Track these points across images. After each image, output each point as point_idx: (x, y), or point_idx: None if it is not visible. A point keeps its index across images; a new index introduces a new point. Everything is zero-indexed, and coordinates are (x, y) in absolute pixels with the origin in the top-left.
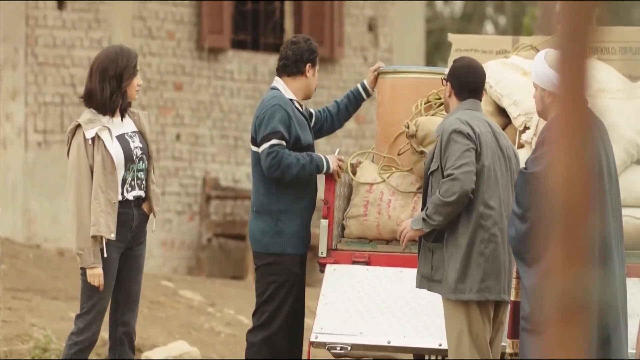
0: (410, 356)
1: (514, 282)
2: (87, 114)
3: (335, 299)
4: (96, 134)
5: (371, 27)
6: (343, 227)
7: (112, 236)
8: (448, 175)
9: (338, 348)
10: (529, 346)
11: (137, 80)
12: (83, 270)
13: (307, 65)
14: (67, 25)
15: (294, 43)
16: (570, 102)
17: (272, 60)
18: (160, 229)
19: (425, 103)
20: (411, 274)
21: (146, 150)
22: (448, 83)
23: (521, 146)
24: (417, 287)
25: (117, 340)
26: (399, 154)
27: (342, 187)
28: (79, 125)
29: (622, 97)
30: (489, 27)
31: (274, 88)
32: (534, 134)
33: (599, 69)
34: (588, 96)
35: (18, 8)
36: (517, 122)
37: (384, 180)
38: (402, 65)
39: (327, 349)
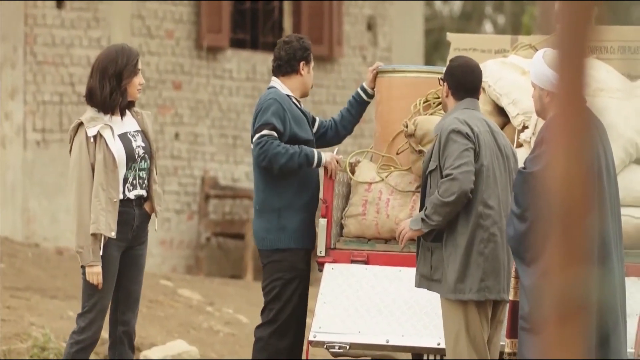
0: (409, 355)
1: (512, 281)
2: (89, 112)
3: (333, 298)
4: (98, 132)
5: (370, 26)
6: (342, 226)
7: (113, 234)
8: (447, 175)
9: (337, 347)
10: (528, 345)
11: (139, 79)
12: (84, 269)
13: (301, 64)
14: (66, 24)
15: (286, 43)
16: (569, 102)
17: (271, 59)
18: (159, 228)
19: (424, 102)
20: (410, 273)
21: (148, 149)
22: (445, 83)
23: (520, 145)
24: (416, 286)
25: (117, 340)
26: (397, 153)
27: (341, 186)
28: (81, 124)
29: (621, 96)
30: (487, 26)
31: (272, 87)
32: (533, 133)
33: (598, 68)
34: (587, 95)
35: (17, 7)
36: (516, 122)
37: (383, 180)
38: (401, 64)
39: (326, 348)
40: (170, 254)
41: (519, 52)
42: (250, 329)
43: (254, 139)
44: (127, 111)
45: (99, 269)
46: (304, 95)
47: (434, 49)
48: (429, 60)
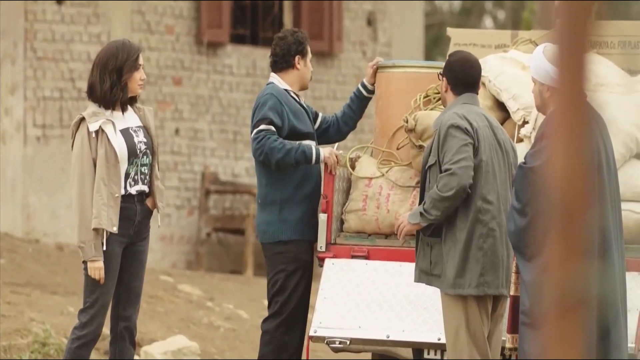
0: (409, 350)
1: (513, 276)
2: (91, 107)
3: (334, 294)
4: (100, 127)
5: (370, 21)
6: (342, 222)
7: (114, 229)
8: (446, 170)
9: (337, 342)
10: (528, 340)
11: (140, 74)
12: (85, 265)
13: (297, 58)
14: (66, 20)
15: (281, 38)
16: (569, 97)
17: None
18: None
19: (424, 97)
20: (410, 268)
21: (150, 145)
22: (444, 78)
23: (520, 140)
24: (415, 281)
25: (118, 335)
26: (397, 148)
27: (341, 181)
28: (83, 119)
29: (621, 91)
30: (488, 21)
31: (270, 83)
32: (533, 128)
33: (598, 63)
34: (587, 90)
35: (17, 3)
36: (516, 117)
37: (383, 175)
38: (401, 59)
39: (326, 343)
40: (171, 250)
41: (519, 47)
42: (251, 324)
43: (252, 135)
44: (129, 107)
45: (101, 263)
46: (304, 87)
47: (434, 44)
48: (429, 55)
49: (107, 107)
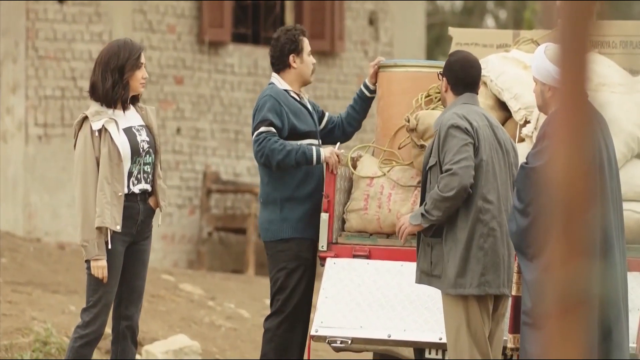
0: (411, 350)
1: (515, 276)
2: (93, 106)
3: (335, 293)
4: (103, 126)
5: (372, 21)
6: (343, 221)
7: (118, 228)
8: (446, 171)
9: (338, 342)
10: (530, 340)
11: (142, 72)
12: (88, 264)
13: (291, 57)
14: (68, 19)
15: (275, 40)
16: (570, 96)
17: None
18: (161, 223)
19: (425, 97)
20: (411, 267)
21: (153, 144)
22: (444, 78)
23: (522, 140)
24: (416, 282)
25: (120, 334)
26: (399, 148)
27: (343, 180)
28: (85, 117)
29: (623, 91)
30: (489, 21)
31: (271, 83)
32: (535, 128)
33: (600, 62)
34: (588, 90)
35: (18, 2)
36: (518, 116)
37: (385, 174)
38: (402, 59)
39: (328, 342)
40: (172, 249)
41: (521, 47)
42: (252, 323)
43: (252, 138)
44: (132, 106)
45: (104, 262)
46: (305, 83)
47: (436, 43)
48: (431, 55)
49: (109, 106)
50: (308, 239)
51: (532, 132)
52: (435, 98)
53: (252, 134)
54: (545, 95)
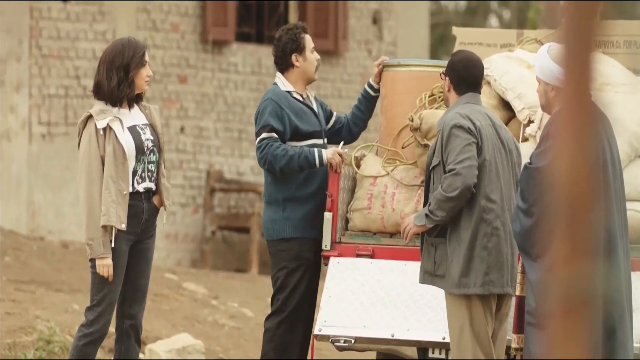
0: (414, 349)
1: (519, 276)
2: (98, 105)
3: (339, 292)
4: (107, 124)
5: (375, 20)
6: (347, 220)
7: (123, 226)
8: (450, 170)
9: (342, 341)
10: (534, 340)
11: (146, 71)
12: (92, 262)
13: (294, 56)
14: (72, 18)
15: (277, 40)
16: (574, 96)
17: None
18: (165, 221)
19: (429, 96)
20: (415, 267)
21: (157, 143)
22: (447, 77)
23: (525, 140)
24: (420, 282)
25: (124, 333)
26: (403, 147)
27: (346, 180)
28: (90, 116)
29: (627, 90)
30: (493, 20)
31: (274, 84)
32: (538, 128)
33: (604, 62)
34: (592, 90)
35: (22, 0)
36: (521, 116)
37: (388, 173)
38: (406, 58)
39: (331, 341)
40: (176, 248)
41: (525, 47)
42: (255, 322)
43: (255, 144)
44: (135, 105)
45: (109, 261)
46: (310, 81)
47: (440, 43)
48: (435, 54)
49: (114, 104)
50: (310, 238)
51: (536, 132)
52: (439, 97)
53: (255, 140)
54: (548, 95)
